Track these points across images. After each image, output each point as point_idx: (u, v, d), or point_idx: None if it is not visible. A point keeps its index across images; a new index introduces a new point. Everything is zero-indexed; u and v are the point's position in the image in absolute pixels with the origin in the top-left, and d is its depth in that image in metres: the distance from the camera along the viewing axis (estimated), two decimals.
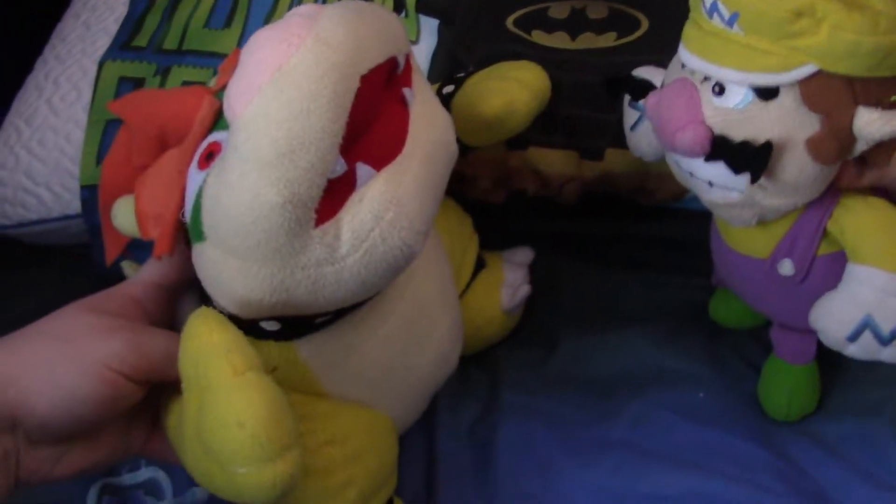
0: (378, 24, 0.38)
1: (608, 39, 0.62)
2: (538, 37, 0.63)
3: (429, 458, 0.53)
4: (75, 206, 0.63)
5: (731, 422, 0.54)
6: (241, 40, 0.67)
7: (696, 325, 0.61)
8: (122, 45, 0.70)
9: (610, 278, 0.65)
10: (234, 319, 0.38)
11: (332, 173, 0.35)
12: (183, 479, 0.51)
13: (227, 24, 0.69)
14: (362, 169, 0.36)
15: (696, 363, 0.58)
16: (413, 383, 0.50)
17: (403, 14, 0.66)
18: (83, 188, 0.63)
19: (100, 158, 0.63)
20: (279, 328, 0.41)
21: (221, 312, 0.38)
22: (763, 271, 0.49)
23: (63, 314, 0.39)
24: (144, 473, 0.53)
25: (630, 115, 0.53)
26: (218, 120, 0.40)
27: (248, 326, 0.39)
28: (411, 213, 0.37)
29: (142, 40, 0.70)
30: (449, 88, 0.52)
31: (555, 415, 0.55)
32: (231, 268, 0.36)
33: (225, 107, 0.36)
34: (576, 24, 0.63)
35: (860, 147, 0.43)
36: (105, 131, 0.64)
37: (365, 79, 0.36)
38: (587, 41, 0.62)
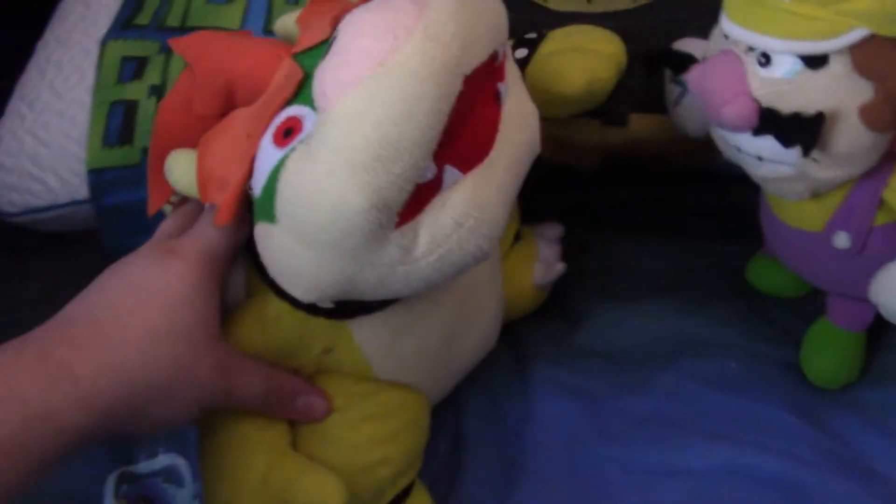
0: (487, 16, 0.36)
1: (626, 1, 0.62)
2: (555, 2, 0.62)
3: (455, 434, 0.54)
4: (83, 191, 0.63)
5: (765, 392, 0.54)
6: (245, 14, 0.67)
7: (728, 293, 0.60)
8: (124, 23, 0.70)
9: (637, 247, 0.65)
10: (288, 294, 0.38)
11: (421, 178, 0.34)
12: None
13: None
14: (449, 172, 0.35)
15: (729, 332, 0.57)
16: (456, 365, 0.50)
17: None
18: (90, 172, 0.63)
19: (106, 141, 0.63)
20: (333, 307, 0.42)
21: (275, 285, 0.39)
22: (817, 245, 0.48)
23: (185, 335, 0.38)
24: (163, 461, 0.53)
25: (672, 91, 0.52)
26: (299, 92, 0.38)
27: (303, 302, 0.40)
28: (491, 221, 0.37)
29: (144, 18, 0.70)
30: (522, 52, 0.51)
31: (582, 388, 0.55)
32: (300, 256, 0.35)
33: (317, 88, 0.35)
34: None
35: None
36: (110, 112, 0.64)
37: (468, 79, 0.34)
38: (604, 4, 0.62)
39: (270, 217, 0.36)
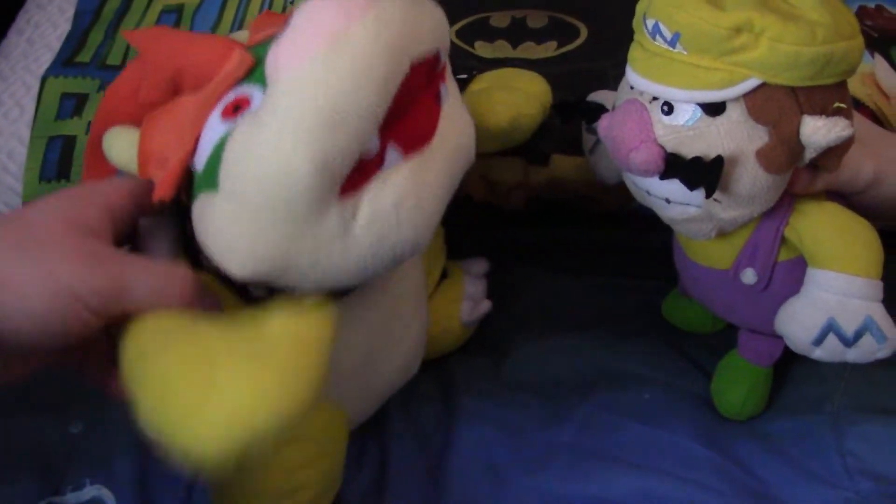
0: (430, 16, 0.38)
1: (549, 49, 0.65)
2: (481, 48, 0.65)
3: (380, 461, 0.55)
4: None
5: (677, 422, 0.56)
6: None
7: (646, 328, 0.63)
8: (65, 61, 0.72)
9: (559, 285, 0.67)
10: (225, 278, 0.38)
11: (364, 151, 0.36)
12: (128, 498, 0.52)
13: None
14: (391, 152, 0.37)
15: (644, 366, 0.60)
16: (376, 385, 0.51)
17: None
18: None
19: (42, 175, 0.65)
20: (266, 295, 0.42)
21: (212, 267, 0.38)
22: (726, 281, 0.51)
23: (40, 221, 0.36)
24: (89, 492, 0.53)
25: (587, 139, 0.55)
26: (249, 74, 0.39)
27: (240, 289, 0.40)
28: (429, 208, 0.38)
29: (85, 56, 0.72)
30: None
31: (505, 420, 0.57)
32: (239, 224, 0.36)
33: (269, 63, 0.36)
34: (517, 33, 0.65)
35: (809, 154, 0.45)
36: (48, 147, 0.66)
37: (413, 67, 0.36)
38: (528, 51, 0.65)
39: (212, 185, 0.37)
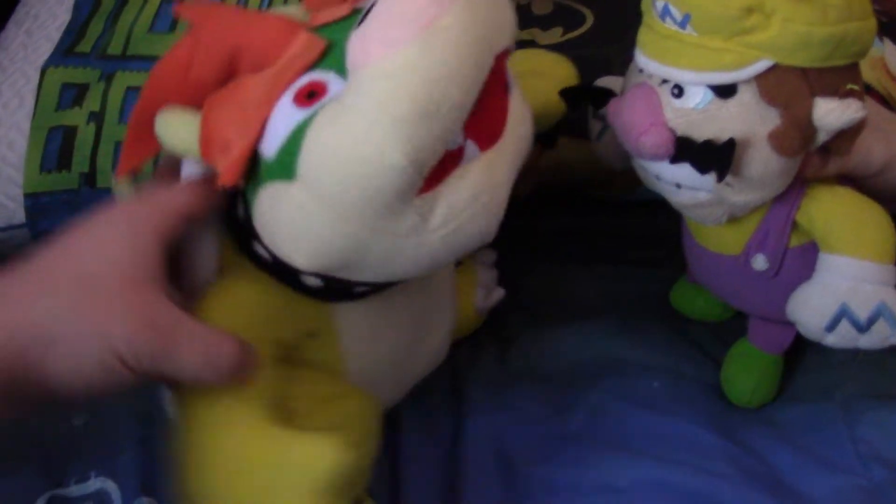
0: (504, 10, 0.38)
1: (555, 35, 0.64)
2: None
3: (391, 452, 0.55)
4: (20, 215, 0.64)
5: (686, 410, 0.56)
6: None
7: (654, 316, 0.63)
8: (65, 51, 0.71)
9: (567, 273, 0.67)
10: (277, 266, 0.38)
11: (452, 144, 0.35)
12: (132, 489, 0.52)
13: (172, 28, 0.71)
14: (470, 146, 0.37)
15: (653, 353, 0.60)
16: (410, 372, 0.51)
17: None
18: (27, 196, 0.64)
19: (43, 166, 0.65)
20: (321, 286, 0.41)
21: (267, 258, 0.38)
22: (737, 268, 0.50)
23: (99, 274, 0.35)
24: (94, 484, 0.53)
25: (594, 126, 0.54)
26: (320, 60, 0.37)
27: (290, 277, 0.40)
28: (501, 201, 0.38)
29: (85, 46, 0.71)
30: None
31: (514, 409, 0.57)
32: (315, 216, 0.35)
33: (353, 49, 0.35)
34: (522, 19, 0.64)
35: (822, 137, 0.44)
36: (48, 138, 0.65)
37: (496, 58, 0.36)
38: (534, 37, 0.65)
39: (289, 175, 0.35)
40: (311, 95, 0.36)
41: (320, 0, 0.41)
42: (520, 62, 0.55)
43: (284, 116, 0.36)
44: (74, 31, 0.73)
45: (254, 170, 0.37)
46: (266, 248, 0.39)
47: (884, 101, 0.63)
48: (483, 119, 0.37)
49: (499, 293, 0.60)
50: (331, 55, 0.37)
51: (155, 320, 0.35)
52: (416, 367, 0.51)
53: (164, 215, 0.38)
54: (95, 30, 0.73)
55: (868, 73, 0.65)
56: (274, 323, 0.41)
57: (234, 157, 0.36)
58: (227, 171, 0.36)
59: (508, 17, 0.38)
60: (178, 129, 0.39)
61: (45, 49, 0.72)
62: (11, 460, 0.53)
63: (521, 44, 0.64)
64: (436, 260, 0.38)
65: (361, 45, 0.34)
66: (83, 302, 0.35)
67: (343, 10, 0.39)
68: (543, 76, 0.53)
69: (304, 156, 0.35)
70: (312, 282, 0.41)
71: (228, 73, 0.39)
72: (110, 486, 0.52)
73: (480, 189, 0.37)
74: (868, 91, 0.63)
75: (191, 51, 0.40)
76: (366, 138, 0.33)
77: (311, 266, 0.37)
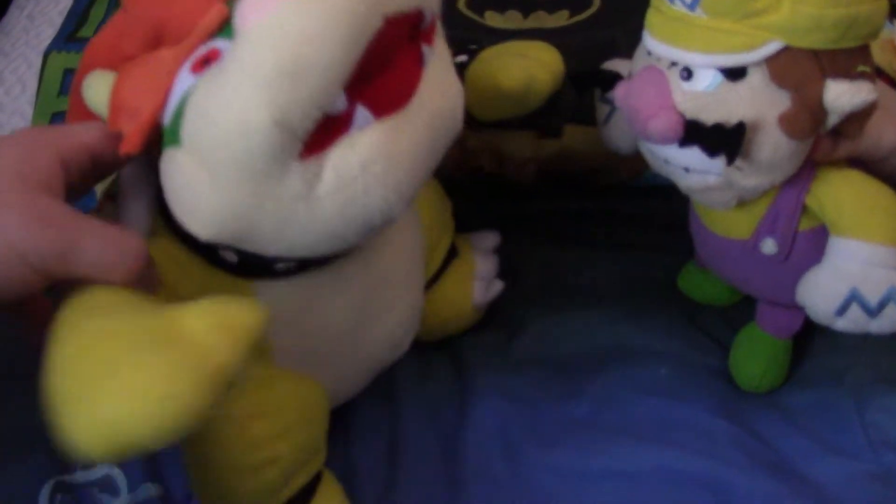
0: None
1: (561, 18, 0.64)
2: (491, 18, 0.64)
3: (391, 437, 0.55)
4: None
5: (694, 396, 0.56)
6: None
7: (661, 302, 0.63)
8: (68, 36, 0.71)
9: (572, 258, 0.67)
10: (193, 240, 0.37)
11: (330, 108, 0.34)
12: (137, 475, 0.52)
13: None
14: (361, 113, 0.36)
15: (660, 340, 0.60)
16: (358, 360, 0.50)
17: None
18: None
19: None
20: (237, 261, 0.41)
21: (185, 231, 0.37)
22: (746, 252, 0.50)
23: None
24: (99, 471, 0.53)
25: (602, 109, 0.54)
26: (223, 28, 0.38)
27: (208, 252, 0.40)
28: (399, 174, 0.37)
29: (88, 31, 0.72)
30: (462, 58, 0.52)
31: (520, 395, 0.56)
32: (201, 181, 0.35)
33: (237, 13, 0.34)
34: (528, 2, 0.64)
35: (832, 120, 0.44)
36: (51, 124, 0.65)
37: (388, 20, 0.35)
38: (539, 20, 0.64)
39: (176, 140, 0.36)
40: (205, 63, 0.36)
41: None
42: (502, 48, 0.55)
43: (180, 83, 0.36)
44: (77, 16, 0.73)
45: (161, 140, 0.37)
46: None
47: (894, 83, 0.63)
48: (380, 86, 0.36)
49: (497, 286, 0.60)
50: (229, 23, 0.37)
51: (53, 217, 0.34)
52: (366, 354, 0.50)
53: (65, 139, 0.38)
54: (97, 14, 0.73)
55: (878, 55, 0.64)
56: (193, 298, 0.41)
57: (138, 122, 0.37)
58: (129, 138, 0.37)
59: None
60: (97, 89, 0.39)
61: (48, 34, 0.72)
62: (18, 446, 0.53)
63: (527, 31, 0.64)
64: (333, 232, 0.37)
65: (240, 10, 0.34)
66: None
67: None
68: (525, 57, 0.53)
69: (186, 120, 0.35)
70: (229, 256, 0.41)
71: (155, 47, 0.40)
72: (116, 473, 0.52)
73: (372, 157, 0.36)
74: (878, 74, 0.63)
75: (121, 29, 0.40)
76: (232, 100, 0.33)
77: (207, 234, 0.37)
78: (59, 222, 0.35)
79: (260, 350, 0.42)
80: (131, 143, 0.37)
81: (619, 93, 0.46)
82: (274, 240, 0.37)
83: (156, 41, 0.40)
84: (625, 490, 0.51)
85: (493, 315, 0.61)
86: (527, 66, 0.51)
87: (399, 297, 0.50)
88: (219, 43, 0.37)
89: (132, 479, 0.52)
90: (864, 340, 0.55)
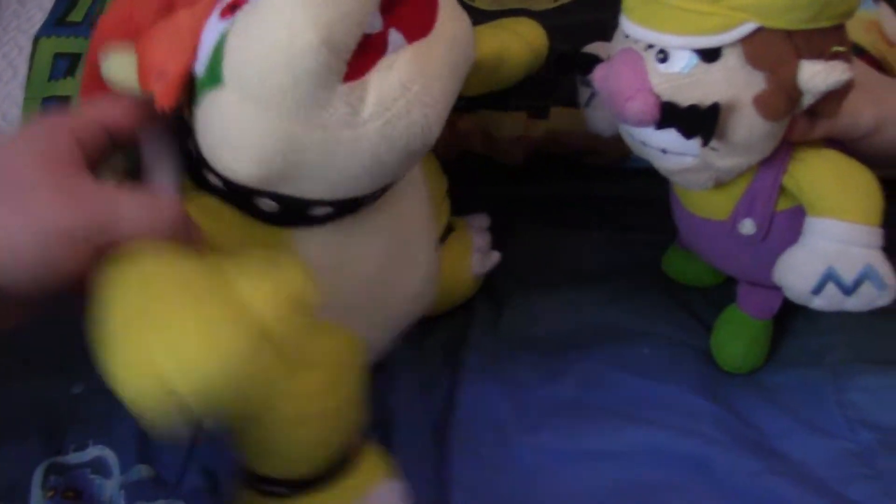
0: None
1: (548, 0, 0.64)
2: (480, 0, 0.64)
3: (384, 418, 0.55)
4: None
5: (678, 376, 0.56)
6: None
7: (646, 283, 0.63)
8: (58, 20, 0.71)
9: (560, 239, 0.68)
10: (230, 192, 0.38)
11: (368, 27, 0.36)
12: (129, 457, 0.53)
13: None
14: (395, 35, 0.37)
15: (644, 320, 0.61)
16: (390, 310, 0.51)
17: None
18: None
19: None
20: (276, 209, 0.41)
21: (219, 185, 0.38)
22: (725, 233, 0.51)
23: (15, 164, 0.36)
24: (91, 452, 0.53)
25: (583, 92, 0.54)
26: None
27: (246, 203, 0.40)
28: (435, 92, 0.38)
29: (77, 15, 0.71)
30: None
31: (507, 376, 0.57)
32: (247, 117, 0.36)
33: None
34: None
35: (808, 100, 0.44)
36: (42, 108, 0.65)
37: None
38: (528, 2, 0.64)
39: (216, 81, 0.36)
40: (234, 8, 0.37)
41: None
42: (488, 25, 0.55)
43: (211, 31, 0.37)
44: (66, 0, 0.73)
45: (193, 94, 0.38)
46: (217, 173, 0.39)
47: (878, 64, 0.63)
48: (408, 10, 0.38)
49: (495, 256, 0.61)
50: None
51: (84, 194, 0.35)
52: (395, 304, 0.51)
53: (76, 117, 0.39)
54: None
55: (863, 36, 0.64)
56: (232, 251, 0.40)
57: (168, 79, 0.37)
58: (163, 93, 0.37)
59: None
60: (119, 65, 0.40)
61: (38, 18, 0.72)
62: (11, 428, 0.54)
63: (513, 12, 0.64)
64: (378, 158, 0.38)
65: None
66: (7, 191, 0.35)
67: None
68: (502, 29, 0.54)
69: (227, 57, 0.36)
70: (267, 205, 0.41)
71: (168, 12, 0.40)
72: (108, 454, 0.53)
73: (410, 78, 0.37)
74: (862, 54, 0.63)
75: (130, 2, 0.41)
76: (277, 25, 0.34)
77: (252, 175, 0.38)
78: (91, 196, 0.36)
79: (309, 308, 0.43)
80: (165, 98, 0.38)
81: (597, 76, 0.47)
82: (319, 177, 0.38)
83: (168, 7, 0.40)
84: (609, 468, 0.51)
85: (480, 295, 0.62)
86: (498, 37, 0.52)
87: (420, 249, 0.52)
88: None
89: (124, 461, 0.52)
90: (843, 321, 0.56)
